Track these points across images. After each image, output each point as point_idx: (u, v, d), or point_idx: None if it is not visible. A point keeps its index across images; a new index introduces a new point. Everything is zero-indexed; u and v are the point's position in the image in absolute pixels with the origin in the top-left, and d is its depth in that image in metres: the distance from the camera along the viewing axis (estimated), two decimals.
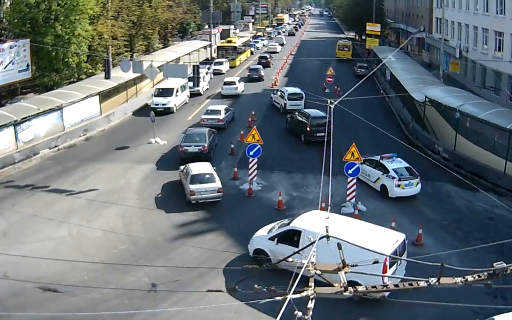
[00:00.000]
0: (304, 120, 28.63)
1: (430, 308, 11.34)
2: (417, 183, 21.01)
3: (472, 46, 41.09)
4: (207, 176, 20.38)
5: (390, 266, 13.18)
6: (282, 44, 74.43)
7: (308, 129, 27.80)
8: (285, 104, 34.37)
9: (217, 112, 30.88)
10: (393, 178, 20.79)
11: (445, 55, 42.50)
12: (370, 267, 12.10)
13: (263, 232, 16.07)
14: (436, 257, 12.80)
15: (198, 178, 20.13)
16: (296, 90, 35.77)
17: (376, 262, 6.10)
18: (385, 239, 14.01)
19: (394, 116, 34.68)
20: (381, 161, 21.75)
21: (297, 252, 6.58)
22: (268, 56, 57.03)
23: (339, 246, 5.98)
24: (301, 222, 15.22)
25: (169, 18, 57.27)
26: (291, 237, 14.82)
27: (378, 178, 21.55)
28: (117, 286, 13.65)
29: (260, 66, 50.04)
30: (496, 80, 35.90)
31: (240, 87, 40.94)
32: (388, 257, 12.67)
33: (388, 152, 22.53)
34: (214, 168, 22.06)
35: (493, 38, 36.66)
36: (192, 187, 19.79)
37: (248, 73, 48.20)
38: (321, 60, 53.44)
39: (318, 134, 26.65)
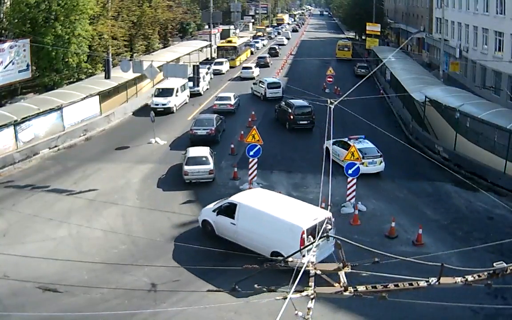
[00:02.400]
0: (288, 109, 30.87)
1: (430, 308, 11.34)
2: (381, 162, 22.73)
3: (472, 46, 41.10)
4: (202, 159, 22.14)
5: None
6: (288, 38, 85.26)
7: (291, 117, 30.21)
8: (265, 92, 38.44)
9: (228, 98, 34.68)
10: None
11: (445, 55, 42.51)
12: (286, 237, 14.55)
13: (210, 206, 17.69)
14: (436, 257, 12.81)
15: (193, 161, 21.99)
16: (275, 80, 40.99)
17: (376, 262, 6.09)
18: (305, 214, 15.22)
19: (394, 116, 34.68)
20: (348, 141, 23.29)
21: (300, 250, 6.57)
22: (277, 48, 67.38)
23: (339, 246, 5.96)
24: (238, 197, 16.96)
25: (169, 18, 57.29)
26: (229, 210, 16.49)
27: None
28: (117, 286, 13.65)
29: (267, 55, 59.27)
30: (496, 80, 35.89)
31: (256, 71, 48.57)
32: (305, 231, 14.17)
33: (387, 152, 22.78)
34: (215, 152, 23.81)
35: (493, 38, 36.67)
36: (186, 168, 21.78)
37: (257, 61, 55.43)
38: (321, 60, 53.47)
39: (300, 122, 30.10)
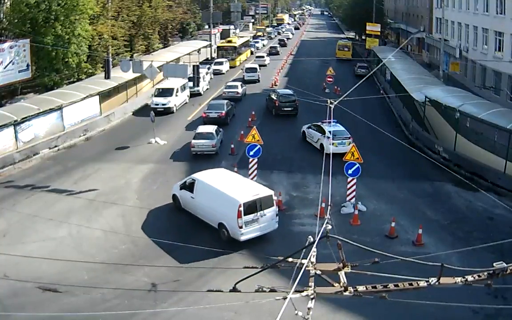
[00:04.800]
0: (274, 97, 34.36)
1: (430, 308, 11.34)
2: (349, 143, 24.45)
3: (472, 46, 41.09)
4: (208, 134, 25.67)
5: (247, 214, 16.25)
6: (292, 33, 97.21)
7: (276, 104, 33.58)
8: (244, 75, 45.99)
9: (236, 86, 38.90)
10: (328, 138, 24.77)
11: (445, 55, 42.49)
12: (228, 210, 16.45)
13: (180, 182, 19.88)
14: (436, 257, 12.81)
15: (199, 136, 25.63)
16: (252, 65, 48.81)
17: (376, 262, 6.09)
18: (247, 190, 17.23)
19: (394, 116, 34.67)
20: (321, 125, 26.46)
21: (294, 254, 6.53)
22: (285, 39, 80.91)
23: (339, 247, 5.95)
24: (198, 174, 19.16)
25: (169, 18, 57.35)
26: (190, 185, 18.67)
27: (318, 138, 26.37)
28: (117, 286, 13.64)
29: (278, 45, 70.88)
30: (496, 80, 35.89)
31: (267, 59, 56.86)
32: (242, 205, 16.18)
33: (388, 152, 22.83)
34: (221, 131, 27.13)
35: (493, 38, 36.66)
36: (193, 141, 25.40)
37: (269, 50, 65.93)
38: (321, 60, 53.46)
39: (284, 109, 33.38)
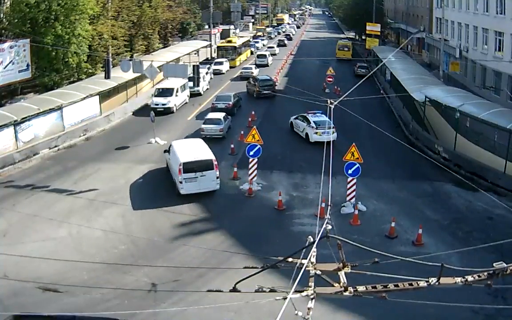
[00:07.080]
0: (255, 83, 39.82)
1: (430, 308, 11.33)
2: (333, 132, 25.71)
3: (472, 46, 41.09)
4: (216, 120, 28.56)
5: (186, 172, 19.61)
6: (295, 31, 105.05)
7: (257, 89, 38.59)
8: (255, 60, 55.34)
9: (250, 68, 49.05)
10: (312, 127, 27.17)
11: (445, 55, 42.50)
12: (175, 168, 20.24)
13: None
14: (436, 257, 12.80)
15: (209, 121, 28.63)
16: (263, 53, 59.32)
17: (376, 262, 6.09)
18: (190, 153, 20.50)
19: (394, 116, 34.66)
20: (306, 115, 28.49)
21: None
22: (290, 34, 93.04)
23: (339, 247, 5.95)
24: (175, 141, 23.01)
25: (169, 18, 57.34)
26: (169, 150, 22.24)
27: (304, 128, 28.26)
28: (117, 286, 13.64)
29: (285, 38, 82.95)
30: (496, 80, 35.89)
31: (277, 50, 67.93)
32: (182, 164, 19.69)
33: (388, 152, 22.85)
34: (229, 118, 30.20)
35: (493, 38, 36.66)
36: (203, 126, 28.27)
37: (278, 42, 77.24)
38: (321, 60, 53.46)
39: (264, 92, 38.20)
